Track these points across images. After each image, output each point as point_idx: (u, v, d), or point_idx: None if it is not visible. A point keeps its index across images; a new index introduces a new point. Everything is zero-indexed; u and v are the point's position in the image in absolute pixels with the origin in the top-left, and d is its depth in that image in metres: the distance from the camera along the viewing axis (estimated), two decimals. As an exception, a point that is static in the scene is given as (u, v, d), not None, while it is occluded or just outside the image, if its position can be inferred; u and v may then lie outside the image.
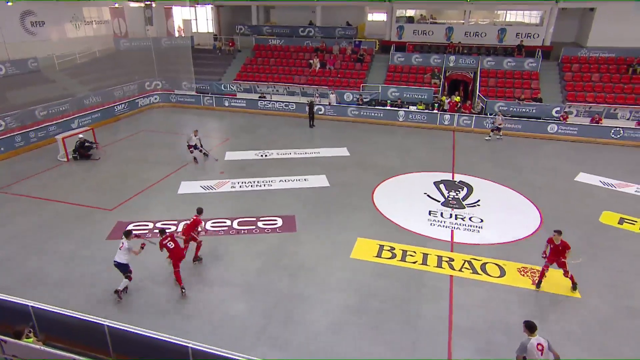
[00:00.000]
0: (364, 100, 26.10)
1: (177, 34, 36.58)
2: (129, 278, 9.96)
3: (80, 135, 18.79)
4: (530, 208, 14.63)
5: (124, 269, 9.93)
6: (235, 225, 13.22)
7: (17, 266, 11.16)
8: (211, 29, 37.35)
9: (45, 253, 11.75)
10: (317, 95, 26.71)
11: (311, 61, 29.35)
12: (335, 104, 25.98)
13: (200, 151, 18.31)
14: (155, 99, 28.48)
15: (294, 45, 31.34)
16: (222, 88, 29.07)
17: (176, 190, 15.64)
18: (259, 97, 27.77)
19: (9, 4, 24.45)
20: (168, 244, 9.99)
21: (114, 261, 9.89)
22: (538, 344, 6.82)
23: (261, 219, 13.54)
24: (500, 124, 21.90)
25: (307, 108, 24.15)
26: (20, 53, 24.90)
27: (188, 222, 11.34)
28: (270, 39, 32.14)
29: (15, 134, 19.45)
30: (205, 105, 28.03)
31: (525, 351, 6.87)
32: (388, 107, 25.44)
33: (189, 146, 18.03)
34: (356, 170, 17.68)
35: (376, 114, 25.06)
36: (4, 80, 23.24)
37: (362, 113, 25.27)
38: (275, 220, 13.51)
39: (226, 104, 27.64)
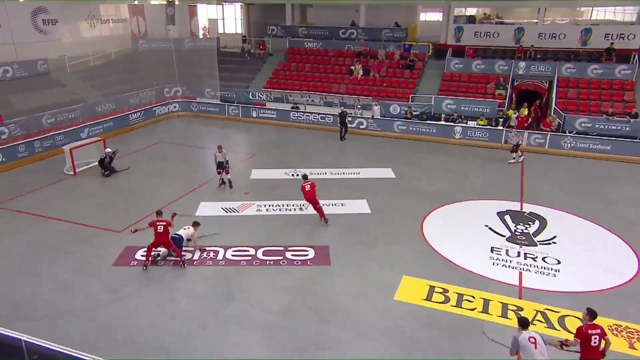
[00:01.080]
0: (414, 113, 26.00)
1: (201, 35, 37.99)
2: (171, 252, 12.75)
3: (108, 149, 19.43)
4: (624, 248, 13.90)
5: (177, 243, 12.62)
6: (259, 254, 13.23)
7: (8, 292, 11.49)
8: (240, 30, 38.64)
9: (41, 278, 12.07)
10: (358, 107, 26.85)
11: (352, 67, 29.66)
12: (379, 117, 26.00)
13: (219, 173, 17.88)
14: (175, 107, 29.54)
15: (333, 49, 31.84)
16: (250, 97, 29.79)
17: (194, 211, 15.90)
18: (292, 107, 28.26)
19: (20, 0, 26.11)
20: (159, 226, 12.17)
21: (175, 234, 12.76)
22: (530, 337, 7.80)
23: (290, 248, 13.52)
24: (517, 141, 21.02)
25: (338, 119, 24.38)
26: (30, 54, 26.42)
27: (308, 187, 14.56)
28: (306, 41, 32.82)
29: (18, 142, 20.54)
30: (231, 115, 28.76)
31: (518, 346, 7.81)
32: (442, 122, 25.23)
33: (218, 168, 17.80)
34: (402, 195, 17.49)
35: (428, 130, 24.88)
36: (10, 83, 24.63)
37: (410, 128, 25.16)
38: (306, 251, 13.46)
39: (254, 114, 28.26)
